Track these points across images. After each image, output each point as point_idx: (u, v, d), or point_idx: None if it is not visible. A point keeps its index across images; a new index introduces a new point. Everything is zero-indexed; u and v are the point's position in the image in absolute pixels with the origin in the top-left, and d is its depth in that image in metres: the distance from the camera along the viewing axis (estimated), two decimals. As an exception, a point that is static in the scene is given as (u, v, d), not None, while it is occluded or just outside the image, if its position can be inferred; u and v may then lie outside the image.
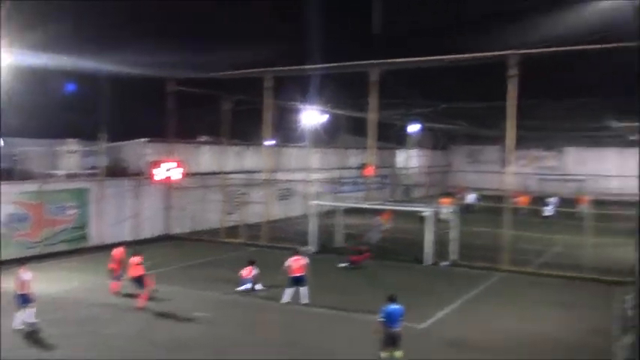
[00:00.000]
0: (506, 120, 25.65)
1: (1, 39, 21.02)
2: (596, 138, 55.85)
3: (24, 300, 15.61)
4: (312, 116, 41.36)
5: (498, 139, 57.76)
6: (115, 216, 29.20)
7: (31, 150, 27.68)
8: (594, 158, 60.28)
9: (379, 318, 13.32)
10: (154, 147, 32.23)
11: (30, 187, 25.55)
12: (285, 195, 40.03)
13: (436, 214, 27.81)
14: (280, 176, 37.98)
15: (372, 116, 29.98)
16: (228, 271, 23.53)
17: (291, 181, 38.84)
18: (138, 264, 18.55)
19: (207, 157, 36.27)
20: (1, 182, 24.32)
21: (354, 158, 49.04)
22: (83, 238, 27.58)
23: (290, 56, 30.42)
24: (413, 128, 56.26)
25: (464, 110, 39.52)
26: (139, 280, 18.37)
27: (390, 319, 13.10)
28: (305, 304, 18.48)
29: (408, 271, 24.28)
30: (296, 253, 19.52)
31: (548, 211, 37.80)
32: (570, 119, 41.98)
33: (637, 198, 19.39)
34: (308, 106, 39.53)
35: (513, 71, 24.50)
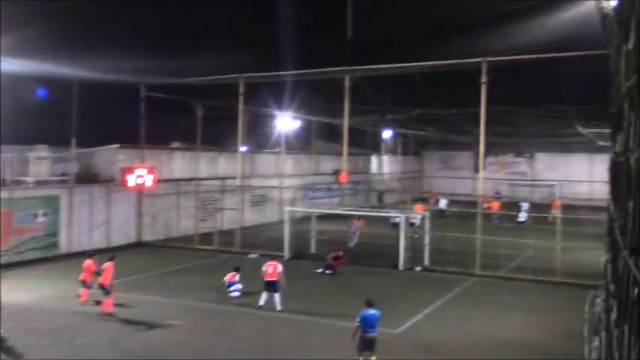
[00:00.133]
0: (478, 126, 25.96)
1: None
2: (566, 144, 56.84)
3: None
4: (285, 122, 41.36)
5: (470, 145, 58.73)
6: (86, 223, 28.82)
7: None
8: (564, 164, 61.32)
9: (356, 322, 13.35)
10: (125, 153, 31.92)
11: (-1, 194, 25.10)
12: (259, 201, 39.93)
13: (409, 219, 28.04)
14: (254, 182, 37.89)
15: (345, 122, 30.09)
16: (202, 278, 23.45)
17: (264, 187, 38.78)
18: (109, 271, 18.30)
19: (180, 163, 36.04)
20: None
21: (327, 164, 49.12)
22: (54, 245, 27.16)
23: (263, 62, 30.37)
24: (386, 134, 56.59)
25: (436, 116, 39.91)
26: (104, 287, 18.08)
27: (367, 323, 13.14)
28: (279, 311, 18.44)
29: (383, 276, 24.38)
30: (272, 259, 19.57)
31: (523, 216, 38.18)
32: (540, 125, 42.68)
33: (605, 203, 19.75)
34: (281, 112, 39.52)
35: (484, 78, 24.84)
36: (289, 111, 39.54)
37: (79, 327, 16.74)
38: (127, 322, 17.34)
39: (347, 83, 28.46)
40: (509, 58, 24.78)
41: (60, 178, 28.86)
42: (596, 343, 14.45)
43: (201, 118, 33.36)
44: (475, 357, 15.08)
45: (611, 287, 7.78)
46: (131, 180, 29.98)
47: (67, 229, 27.75)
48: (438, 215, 39.40)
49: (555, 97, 31.26)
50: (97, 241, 28.65)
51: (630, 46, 5.84)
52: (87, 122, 28.98)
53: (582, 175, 58.38)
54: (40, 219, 26.61)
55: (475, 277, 24.25)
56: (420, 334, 16.73)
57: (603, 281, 18.24)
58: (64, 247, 27.54)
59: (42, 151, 28.36)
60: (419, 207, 35.56)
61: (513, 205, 42.41)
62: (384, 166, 59.84)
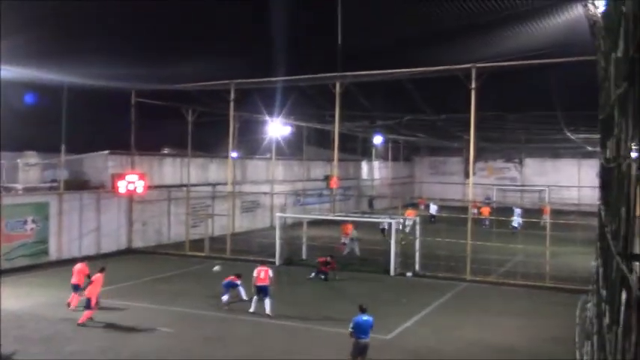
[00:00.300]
0: (468, 132, 26.09)
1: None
2: (555, 149, 57.25)
3: None
4: (276, 128, 41.39)
5: (460, 151, 59.05)
6: (77, 230, 28.67)
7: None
8: (553, 169, 61.74)
9: (349, 328, 13.36)
10: (116, 159, 31.81)
11: (-13, 201, 24.95)
12: (250, 207, 39.90)
13: (401, 225, 28.10)
14: (245, 188, 37.88)
15: (336, 128, 30.15)
16: (193, 284, 23.37)
17: (255, 193, 38.76)
18: (97, 284, 18.11)
19: (171, 169, 35.94)
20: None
21: (318, 170, 49.19)
22: (43, 253, 27.00)
23: (254, 68, 30.40)
24: (377, 140, 56.76)
25: (426, 122, 40.05)
26: (89, 301, 17.88)
27: (360, 329, 13.15)
28: (268, 316, 18.41)
29: (374, 282, 24.39)
30: (263, 264, 19.55)
31: (515, 222, 38.27)
32: (529, 131, 42.94)
33: (593, 208, 19.89)
34: (272, 118, 39.55)
35: (474, 84, 24.99)
36: (280, 117, 39.59)
37: (69, 335, 16.64)
38: (118, 329, 17.26)
39: (337, 89, 28.53)
40: (498, 64, 24.94)
41: (50, 184, 28.71)
42: (587, 348, 14.52)
43: (192, 124, 33.30)
44: (466, 362, 15.12)
45: (603, 292, 7.84)
46: (121, 186, 29.88)
47: (57, 236, 27.60)
48: (429, 221, 39.55)
49: (544, 102, 31.47)
50: (87, 248, 28.51)
51: (620, 53, 5.91)
52: (77, 128, 28.83)
53: (571, 181, 58.82)
54: (30, 226, 26.45)
55: (466, 282, 24.33)
56: (411, 340, 16.76)
57: (594, 286, 18.34)
58: (53, 254, 27.38)
59: (31, 157, 28.24)
60: (410, 212, 35.66)
61: (503, 211, 42.59)
62: (374, 171, 59.99)
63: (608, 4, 8.75)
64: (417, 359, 15.28)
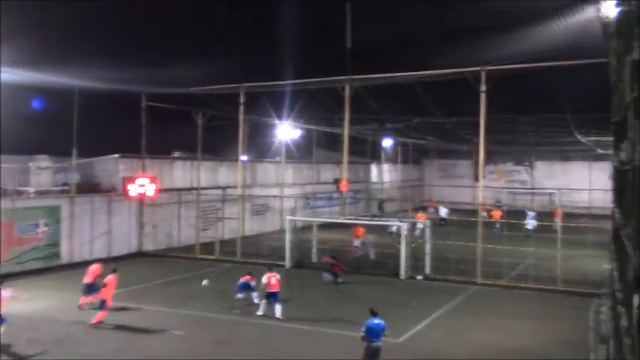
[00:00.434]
0: (477, 135, 26.02)
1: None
2: (565, 152, 57.00)
3: None
4: (286, 131, 41.44)
5: (470, 154, 58.89)
6: (88, 233, 28.82)
7: (0, 166, 27.20)
8: (563, 172, 61.46)
9: (361, 332, 13.36)
10: (126, 163, 31.96)
11: (0, 204, 25.09)
12: (260, 210, 39.96)
13: (412, 228, 28.08)
14: (255, 191, 37.94)
15: (345, 131, 30.16)
16: (203, 288, 23.40)
17: (265, 196, 38.82)
18: (110, 285, 18.23)
19: (181, 172, 36.06)
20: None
21: (328, 173, 49.20)
22: (55, 256, 27.15)
23: (263, 72, 30.47)
24: (386, 143, 56.71)
25: (436, 125, 39.99)
26: (103, 302, 18.03)
27: (372, 333, 13.14)
28: (279, 319, 18.47)
29: (384, 285, 24.35)
30: (270, 269, 19.62)
31: (530, 225, 38.10)
32: (539, 134, 42.78)
33: (605, 211, 19.79)
34: (282, 122, 39.62)
35: (483, 87, 24.93)
36: (289, 120, 39.66)
37: (81, 337, 16.74)
38: (129, 331, 17.35)
39: (347, 92, 28.54)
40: (507, 66, 24.87)
41: (61, 188, 28.88)
42: (602, 351, 14.46)
43: (201, 128, 33.39)
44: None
45: (619, 295, 7.80)
46: (132, 190, 30.01)
47: (69, 239, 27.75)
48: (439, 224, 39.46)
49: (554, 105, 31.35)
50: (98, 251, 28.63)
51: (636, 56, 5.89)
52: (88, 132, 29.01)
53: (582, 183, 58.55)
54: (42, 229, 26.61)
55: (477, 285, 24.24)
56: (422, 343, 16.73)
57: (608, 289, 18.27)
58: (65, 257, 27.53)
59: (43, 161, 28.41)
60: (421, 216, 35.59)
61: (514, 214, 42.41)
62: (384, 174, 59.92)
63: (621, 6, 8.72)
64: (429, 362, 15.24)
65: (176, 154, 37.53)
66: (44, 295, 21.45)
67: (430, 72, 26.52)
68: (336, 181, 44.71)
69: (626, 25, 7.76)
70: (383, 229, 33.31)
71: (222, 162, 38.66)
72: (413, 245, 27.39)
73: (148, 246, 32.03)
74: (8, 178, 26.76)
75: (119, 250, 30.16)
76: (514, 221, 31.36)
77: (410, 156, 64.46)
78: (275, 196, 39.17)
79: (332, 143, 46.80)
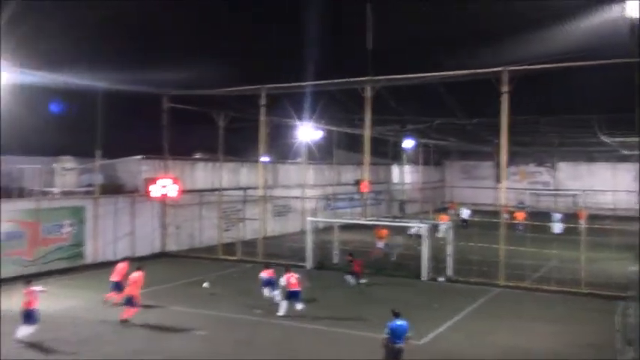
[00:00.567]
0: (499, 136, 25.84)
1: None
2: (589, 153, 56.34)
3: (27, 316, 16.01)
4: (306, 132, 41.52)
5: (491, 155, 58.45)
6: (111, 234, 29.13)
7: (26, 167, 27.63)
8: (587, 173, 60.74)
9: (385, 333, 13.34)
10: (149, 164, 32.26)
11: (26, 204, 25.50)
12: (282, 211, 40.06)
13: (434, 230, 27.95)
14: (276, 192, 38.05)
15: (366, 132, 30.12)
16: (226, 287, 23.57)
17: (287, 197, 38.91)
18: (137, 282, 18.50)
19: (203, 173, 36.31)
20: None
21: (349, 174, 49.20)
22: (79, 255, 27.49)
23: (285, 73, 30.59)
24: (407, 144, 56.53)
25: (457, 126, 39.79)
26: (130, 299, 18.28)
27: (394, 334, 13.13)
28: (302, 318, 18.72)
29: (406, 287, 24.28)
30: (288, 269, 19.85)
31: (558, 228, 37.75)
32: (563, 135, 42.35)
33: (630, 212, 19.54)
34: (303, 123, 39.71)
35: (506, 88, 24.73)
36: (310, 121, 39.74)
37: (107, 337, 16.93)
38: (154, 331, 17.52)
39: (368, 93, 28.50)
40: (530, 67, 24.66)
41: (85, 189, 29.23)
42: (630, 353, 14.29)
43: (223, 129, 33.58)
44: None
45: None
46: (155, 190, 30.30)
47: (93, 239, 28.08)
48: (461, 225, 39.24)
49: (578, 105, 31.04)
50: (122, 252, 28.90)
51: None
52: (111, 133, 29.36)
53: (606, 185, 57.80)
54: (66, 229, 26.97)
55: (499, 287, 24.06)
56: (445, 346, 16.65)
57: (634, 292, 18.05)
58: (89, 257, 27.86)
59: (68, 162, 28.78)
60: (444, 217, 35.41)
61: (537, 215, 42.00)
62: (405, 175, 59.72)
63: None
64: (451, 365, 15.18)
65: (198, 156, 37.79)
66: (70, 295, 21.74)
67: (452, 73, 26.42)
68: (357, 183, 44.69)
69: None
70: (404, 231, 33.24)
71: (243, 163, 38.85)
72: (440, 241, 27.19)
73: (171, 246, 32.30)
74: (35, 179, 27.18)
75: (142, 250, 30.44)
76: (537, 223, 31.01)
77: (431, 157, 64.16)
78: (296, 197, 39.26)
79: (353, 144, 46.76)
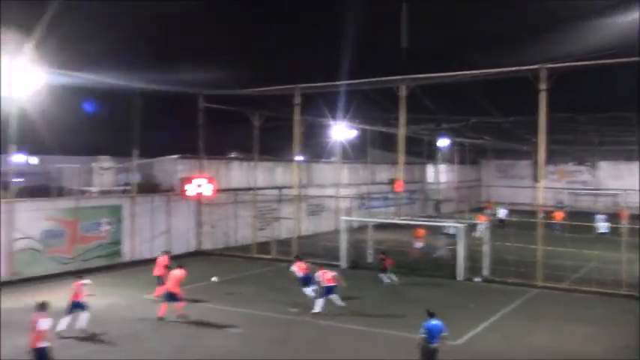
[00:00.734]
0: (536, 134, 25.42)
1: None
2: (630, 152, 55.00)
3: (77, 307, 16.68)
4: (341, 132, 41.49)
5: (529, 154, 57.56)
6: (148, 232, 29.52)
7: (65, 167, 28.20)
8: (628, 172, 59.23)
9: (420, 333, 13.25)
10: (185, 163, 32.60)
11: (65, 203, 26.02)
12: (316, 210, 40.09)
13: (471, 230, 27.60)
14: (310, 192, 38.08)
15: (401, 131, 29.94)
16: (261, 286, 23.69)
17: (321, 196, 38.93)
18: (178, 280, 18.71)
19: (238, 173, 36.55)
20: (38, 199, 24.90)
21: (383, 173, 49.00)
22: (117, 254, 27.95)
23: (319, 72, 30.67)
24: (442, 143, 56.05)
25: (493, 125, 39.30)
26: (173, 296, 18.54)
27: (430, 334, 13.03)
28: (342, 307, 19.23)
29: (441, 287, 24.06)
30: (321, 267, 20.26)
31: (604, 227, 37.04)
32: (603, 133, 41.49)
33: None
34: (337, 122, 39.68)
35: (543, 85, 24.31)
36: (345, 120, 39.70)
37: (145, 334, 17.18)
38: (192, 328, 17.71)
39: (402, 92, 28.34)
40: (569, 64, 24.19)
41: (123, 188, 29.70)
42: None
43: (258, 129, 33.77)
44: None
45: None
46: (190, 189, 30.62)
47: (130, 237, 28.50)
48: (498, 225, 38.72)
49: (618, 103, 30.39)
50: (158, 250, 29.01)
51: None
52: (148, 133, 29.80)
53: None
54: (105, 227, 27.43)
55: (537, 288, 23.66)
56: (481, 346, 16.44)
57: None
58: (126, 255, 28.29)
59: (105, 161, 29.28)
60: (482, 217, 34.94)
61: (576, 215, 41.18)
62: (440, 175, 59.23)
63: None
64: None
65: (233, 155, 38.06)
66: (109, 292, 22.05)
67: (488, 71, 26.10)
68: (392, 182, 44.47)
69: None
70: (439, 230, 32.93)
71: (278, 162, 39.00)
72: (477, 241, 26.81)
73: (207, 245, 32.59)
74: (73, 178, 27.74)
75: (178, 248, 30.73)
76: (577, 223, 30.37)
77: (467, 156, 63.50)
78: (330, 197, 39.25)
79: (387, 143, 46.59)
